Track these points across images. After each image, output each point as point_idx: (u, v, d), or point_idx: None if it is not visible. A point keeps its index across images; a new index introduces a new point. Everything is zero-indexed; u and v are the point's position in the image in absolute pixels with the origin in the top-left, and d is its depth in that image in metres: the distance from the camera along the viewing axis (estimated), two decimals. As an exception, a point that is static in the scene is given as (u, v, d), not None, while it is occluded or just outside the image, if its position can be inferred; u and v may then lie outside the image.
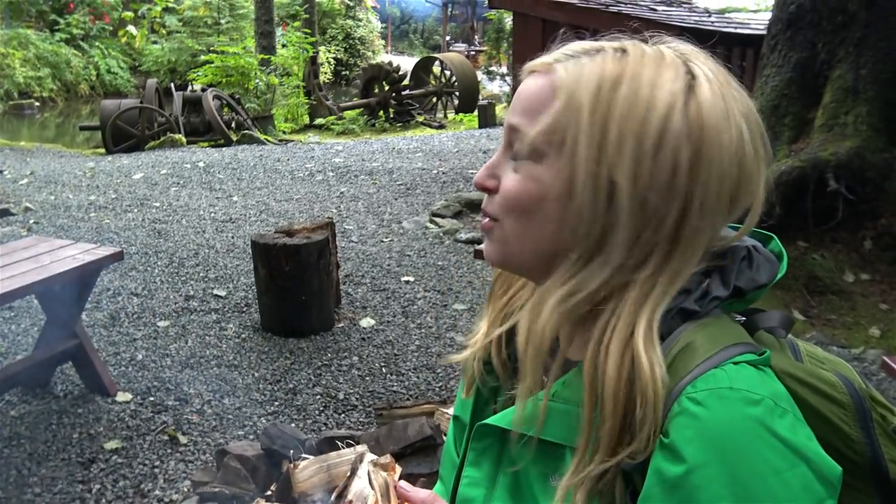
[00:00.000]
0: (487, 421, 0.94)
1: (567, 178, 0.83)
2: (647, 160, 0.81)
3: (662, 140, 0.81)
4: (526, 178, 0.85)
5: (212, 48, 15.99)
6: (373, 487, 2.49)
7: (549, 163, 0.84)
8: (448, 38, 34.17)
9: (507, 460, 0.93)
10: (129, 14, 22.42)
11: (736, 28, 8.21)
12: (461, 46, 31.40)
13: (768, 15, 7.09)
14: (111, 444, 3.46)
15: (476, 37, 34.47)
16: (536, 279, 0.91)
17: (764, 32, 6.77)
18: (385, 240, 6.53)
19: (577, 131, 0.82)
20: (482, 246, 0.95)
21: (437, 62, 17.40)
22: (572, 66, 0.86)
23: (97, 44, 22.05)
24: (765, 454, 0.74)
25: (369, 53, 27.45)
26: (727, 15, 9.12)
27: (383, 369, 4.20)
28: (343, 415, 3.74)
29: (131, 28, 22.46)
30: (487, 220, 0.90)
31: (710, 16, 8.61)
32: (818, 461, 0.76)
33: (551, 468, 0.87)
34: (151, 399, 3.85)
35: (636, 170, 0.81)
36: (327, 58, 24.57)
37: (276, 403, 3.82)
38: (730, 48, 7.70)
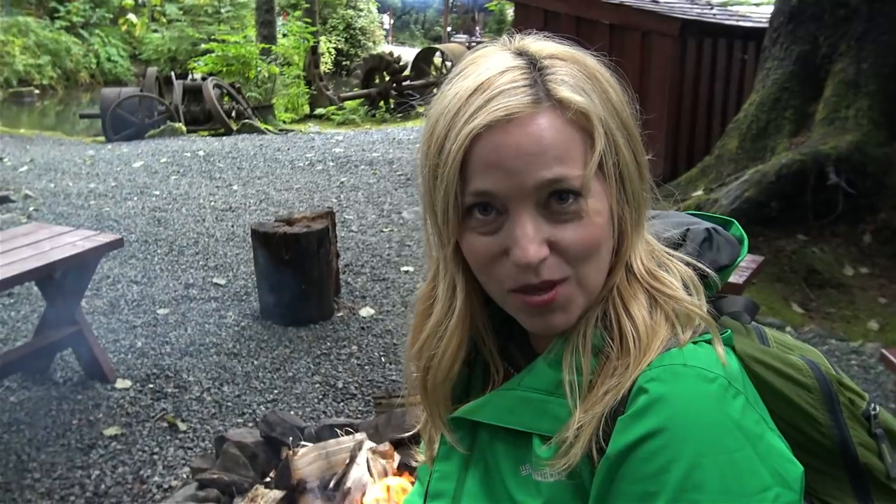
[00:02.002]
0: (456, 413, 0.94)
1: (606, 190, 0.84)
2: (634, 136, 0.87)
3: (627, 111, 0.87)
4: (593, 216, 0.82)
5: (212, 37, 15.94)
6: (371, 475, 2.50)
7: (596, 188, 0.82)
8: (449, 28, 34.09)
9: (478, 452, 0.93)
10: (130, 2, 22.35)
11: (738, 21, 8.18)
12: (462, 37, 31.34)
13: (770, 8, 7.08)
14: (110, 431, 3.47)
15: (477, 28, 34.42)
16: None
17: (766, 25, 6.76)
18: (385, 230, 6.53)
19: (615, 146, 0.83)
20: (540, 324, 0.86)
21: (437, 53, 17.36)
22: (573, 87, 0.81)
23: (97, 32, 22.00)
24: (715, 432, 0.74)
25: (370, 44, 27.39)
26: (729, 8, 9.09)
27: (382, 358, 4.21)
28: (342, 403, 3.75)
29: (132, 16, 22.41)
30: (553, 288, 0.83)
31: (712, 8, 8.58)
32: (764, 448, 0.76)
33: (521, 457, 0.87)
34: (151, 386, 3.86)
35: (635, 149, 0.87)
36: (328, 48, 24.52)
37: (276, 391, 3.83)
38: (731, 41, 7.68)
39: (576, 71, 0.83)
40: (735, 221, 0.99)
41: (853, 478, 0.89)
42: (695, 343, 0.82)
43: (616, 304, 0.85)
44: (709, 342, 0.82)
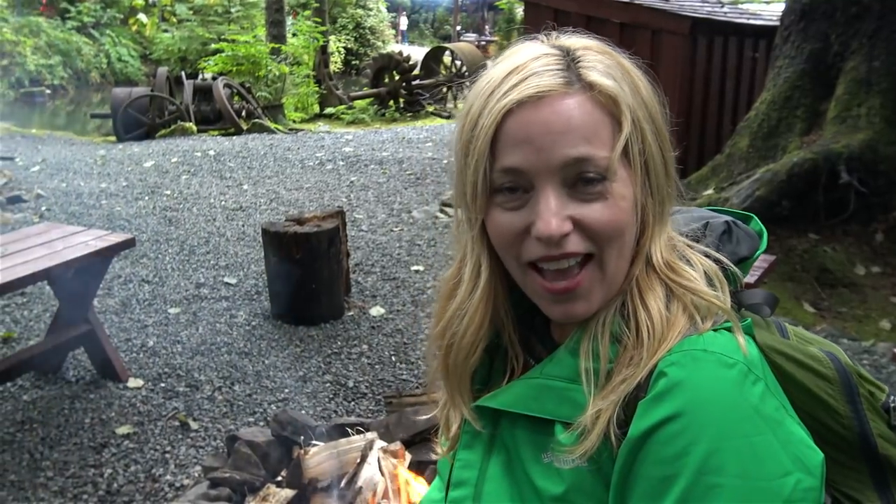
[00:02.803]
0: (479, 402, 0.95)
1: (631, 178, 0.86)
2: (662, 132, 0.89)
3: (656, 108, 0.90)
4: (618, 199, 0.84)
5: (222, 37, 15.98)
6: (382, 474, 2.50)
7: (621, 174, 0.84)
8: (458, 28, 34.09)
9: (500, 441, 0.94)
10: (140, 2, 22.43)
11: (748, 19, 8.14)
12: (472, 36, 31.33)
13: (781, 6, 7.05)
14: (123, 430, 3.48)
15: (487, 27, 34.39)
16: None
17: (777, 23, 6.73)
18: (395, 229, 6.54)
19: (641, 135, 0.86)
20: (561, 312, 0.88)
21: (447, 52, 17.38)
22: (604, 73, 0.85)
23: (108, 32, 22.08)
24: (733, 416, 0.75)
25: (379, 43, 27.40)
26: (740, 5, 9.06)
27: (393, 358, 4.21)
28: (353, 402, 3.76)
29: (142, 16, 22.49)
30: (577, 276, 0.85)
31: (722, 6, 8.55)
32: (784, 434, 0.76)
33: (542, 445, 0.88)
34: (163, 385, 3.88)
35: (662, 144, 0.89)
36: (338, 47, 24.55)
37: (287, 390, 3.84)
38: (742, 39, 7.65)
39: (608, 60, 0.86)
40: (754, 216, 1.01)
41: (872, 469, 0.89)
42: (715, 331, 0.83)
43: (633, 295, 0.87)
44: (729, 330, 0.83)
